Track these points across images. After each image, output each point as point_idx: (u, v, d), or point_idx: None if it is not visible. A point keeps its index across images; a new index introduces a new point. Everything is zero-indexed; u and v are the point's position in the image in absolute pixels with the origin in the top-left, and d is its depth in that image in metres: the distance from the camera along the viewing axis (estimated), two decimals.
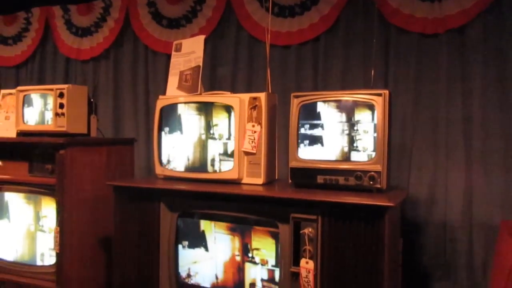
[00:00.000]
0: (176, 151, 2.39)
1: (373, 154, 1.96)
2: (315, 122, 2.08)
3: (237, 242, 2.11)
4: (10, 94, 2.97)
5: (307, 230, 1.87)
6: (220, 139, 2.29)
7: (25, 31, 4.23)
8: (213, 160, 2.29)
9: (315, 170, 2.05)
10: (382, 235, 1.74)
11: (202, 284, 2.19)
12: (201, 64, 2.46)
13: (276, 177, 2.40)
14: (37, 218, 2.73)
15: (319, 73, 2.93)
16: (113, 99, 3.72)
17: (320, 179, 2.04)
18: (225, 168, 2.25)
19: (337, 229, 1.83)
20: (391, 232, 1.79)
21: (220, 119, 2.29)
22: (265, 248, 2.05)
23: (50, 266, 2.61)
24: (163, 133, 2.41)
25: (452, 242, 2.53)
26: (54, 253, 2.58)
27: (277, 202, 1.95)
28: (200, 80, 2.44)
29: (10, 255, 2.77)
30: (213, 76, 3.29)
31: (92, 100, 2.86)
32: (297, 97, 2.13)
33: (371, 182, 1.93)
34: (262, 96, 2.22)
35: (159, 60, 3.53)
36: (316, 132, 2.08)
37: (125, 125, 3.66)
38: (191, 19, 3.37)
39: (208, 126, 2.32)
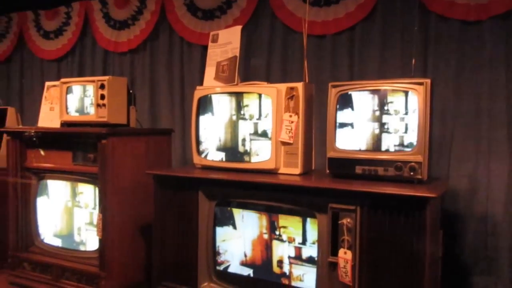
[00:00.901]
0: (213, 140, 2.42)
1: (414, 144, 1.92)
2: (353, 112, 2.07)
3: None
4: (54, 86, 3.09)
5: (346, 221, 1.86)
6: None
7: (65, 25, 4.37)
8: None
9: (353, 160, 2.04)
10: (423, 227, 1.72)
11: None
12: (238, 55, 2.48)
13: (313, 168, 2.40)
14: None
15: (355, 62, 2.89)
16: (150, 90, 3.80)
17: (358, 169, 2.02)
18: (262, 155, 2.27)
19: (376, 220, 1.81)
20: (432, 224, 1.76)
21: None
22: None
23: (93, 251, 2.72)
24: (200, 123, 2.45)
25: (494, 236, 2.46)
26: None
27: (315, 192, 1.96)
28: (237, 71, 2.46)
29: (56, 241, 2.91)
30: (248, 66, 3.30)
31: (131, 91, 2.94)
32: (335, 86, 2.11)
33: (412, 173, 1.90)
34: (299, 86, 2.22)
35: (194, 51, 3.58)
36: (354, 122, 2.06)
37: (162, 116, 3.73)
38: (226, 10, 3.39)
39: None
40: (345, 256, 1.86)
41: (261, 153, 2.28)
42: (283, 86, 2.26)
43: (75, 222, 2.85)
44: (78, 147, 2.74)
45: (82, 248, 2.81)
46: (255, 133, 2.30)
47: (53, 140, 2.86)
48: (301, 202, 2.02)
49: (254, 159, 2.30)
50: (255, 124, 2.31)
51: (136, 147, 2.77)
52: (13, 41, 4.77)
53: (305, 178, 2.16)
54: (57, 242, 2.90)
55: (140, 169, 2.77)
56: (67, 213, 2.89)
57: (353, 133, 2.07)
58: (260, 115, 2.29)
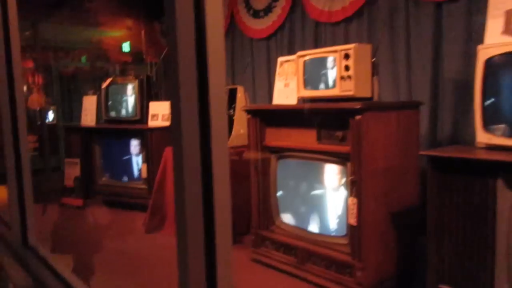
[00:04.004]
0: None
1: None
2: None
3: None
4: (288, 61, 2.96)
5: None
6: None
7: (274, 1, 4.29)
8: None
9: None
10: None
11: None
12: None
13: None
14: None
15: None
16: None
17: None
18: None
19: None
20: None
21: None
22: None
23: (341, 237, 2.52)
24: (487, 91, 1.94)
25: None
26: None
27: None
28: None
29: (298, 222, 2.81)
30: None
31: (374, 59, 2.59)
32: None
33: None
34: None
35: (423, 11, 3.02)
36: None
37: (402, 88, 3.28)
38: None
39: None
40: None
41: None
42: None
43: (319, 204, 2.68)
44: (324, 125, 2.54)
45: (327, 232, 2.63)
46: None
47: (294, 117, 2.74)
48: None
49: None
50: None
51: (387, 124, 2.42)
52: (225, 23, 4.98)
53: None
54: (299, 223, 2.80)
55: (390, 148, 2.44)
56: (309, 194, 2.75)
57: None
58: None
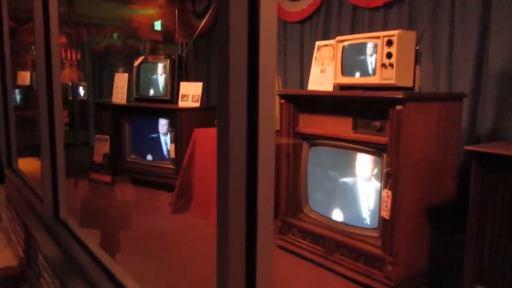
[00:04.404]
0: None
1: None
2: None
3: None
4: (326, 46, 2.86)
5: None
6: None
7: None
8: None
9: None
10: None
11: None
12: None
13: None
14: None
15: None
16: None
17: None
18: None
19: None
20: None
21: None
22: None
23: (372, 229, 2.45)
24: None
25: None
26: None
27: None
28: None
29: (327, 211, 2.75)
30: None
31: (417, 47, 2.46)
32: None
33: None
34: None
35: None
36: None
37: (442, 78, 3.13)
38: None
39: None
40: None
41: None
42: None
43: (350, 195, 2.61)
44: (361, 114, 2.45)
45: (358, 224, 2.56)
46: None
47: (329, 104, 2.65)
48: None
49: None
50: None
51: (428, 115, 2.31)
52: None
53: None
54: (328, 213, 2.74)
55: (429, 141, 2.33)
56: (340, 184, 2.67)
57: None
58: None
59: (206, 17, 5.60)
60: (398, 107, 2.17)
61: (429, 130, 2.33)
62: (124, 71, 5.19)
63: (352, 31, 3.86)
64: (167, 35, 6.59)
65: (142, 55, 4.89)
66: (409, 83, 2.42)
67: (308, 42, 4.38)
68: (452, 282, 2.46)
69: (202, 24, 5.49)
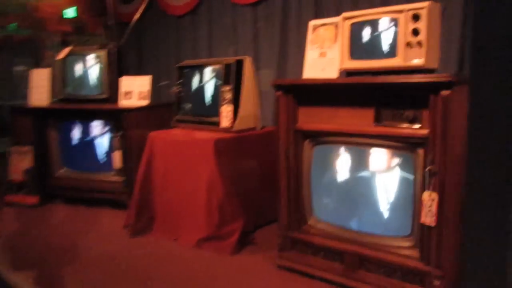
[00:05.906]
0: None
1: None
2: None
3: None
4: (324, 25, 2.41)
5: None
6: None
7: None
8: None
9: None
10: None
11: None
12: None
13: None
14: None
15: None
16: None
17: None
18: None
19: None
20: None
21: None
22: None
23: (404, 237, 2.08)
24: None
25: None
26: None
27: None
28: None
29: (340, 221, 2.33)
30: None
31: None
32: None
33: None
34: None
35: None
36: None
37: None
38: None
39: None
40: None
41: None
42: None
43: (370, 199, 2.22)
44: (387, 103, 2.05)
45: (383, 232, 2.18)
46: None
47: (338, 94, 2.22)
48: None
49: None
50: None
51: (463, 104, 2.00)
52: None
53: None
54: (343, 222, 2.32)
55: (464, 134, 2.02)
56: (358, 188, 2.27)
57: None
58: None
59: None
60: (444, 92, 1.82)
61: (464, 119, 2.02)
62: (25, 68, 4.30)
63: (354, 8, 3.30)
64: (79, 25, 5.73)
65: (69, 46, 4.00)
66: (435, 64, 2.09)
67: (293, 23, 3.71)
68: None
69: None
